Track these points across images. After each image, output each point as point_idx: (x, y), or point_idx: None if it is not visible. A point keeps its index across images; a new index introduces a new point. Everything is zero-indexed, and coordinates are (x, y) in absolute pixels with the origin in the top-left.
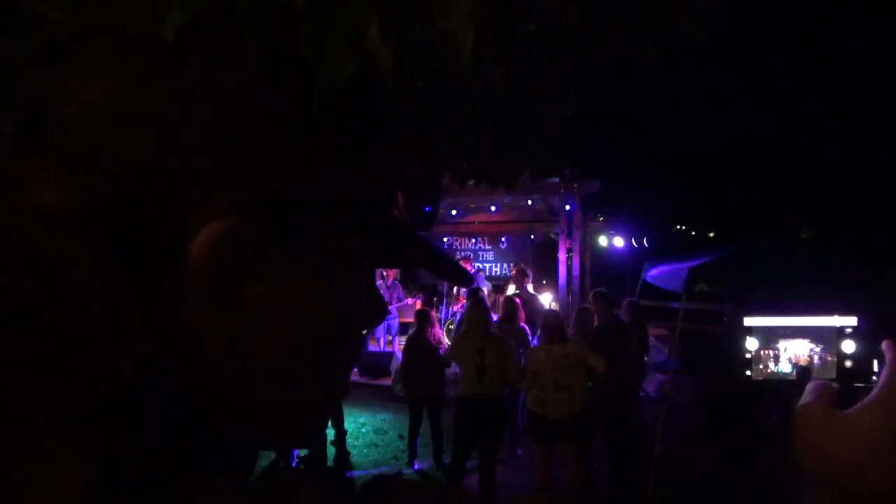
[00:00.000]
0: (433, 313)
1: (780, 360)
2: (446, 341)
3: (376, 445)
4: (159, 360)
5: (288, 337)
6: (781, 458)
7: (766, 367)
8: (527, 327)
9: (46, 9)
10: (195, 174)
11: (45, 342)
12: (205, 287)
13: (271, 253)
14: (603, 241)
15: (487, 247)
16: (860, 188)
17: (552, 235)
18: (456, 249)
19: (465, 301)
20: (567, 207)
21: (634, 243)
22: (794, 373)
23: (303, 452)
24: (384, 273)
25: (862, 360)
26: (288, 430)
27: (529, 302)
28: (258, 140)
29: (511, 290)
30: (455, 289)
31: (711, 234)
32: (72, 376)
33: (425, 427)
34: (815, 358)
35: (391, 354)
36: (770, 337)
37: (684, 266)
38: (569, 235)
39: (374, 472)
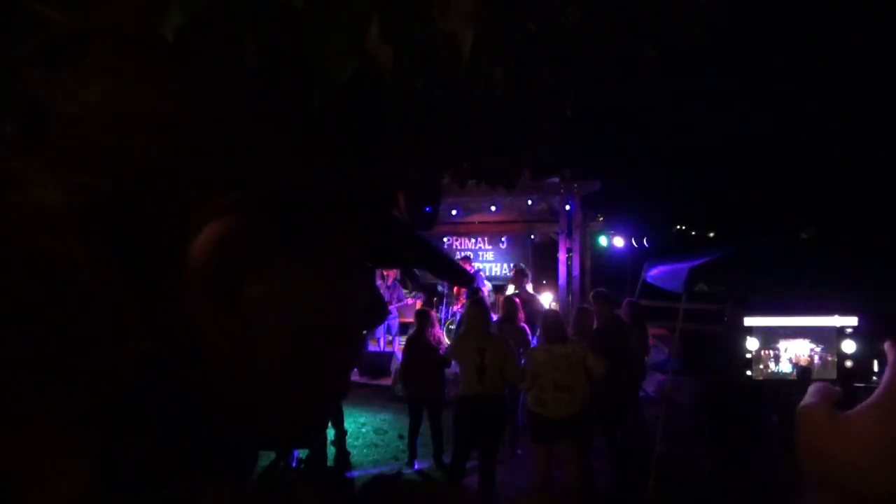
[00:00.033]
0: (433, 313)
1: (781, 360)
2: (446, 341)
3: (376, 445)
4: (159, 360)
5: (288, 337)
6: (781, 458)
7: (767, 367)
8: (527, 327)
9: (46, 9)
10: (195, 174)
11: (45, 342)
12: (205, 287)
13: (271, 253)
14: (603, 241)
15: (487, 247)
16: (860, 188)
17: (552, 235)
18: (456, 249)
19: (465, 301)
20: (567, 207)
21: (634, 243)
22: (795, 373)
23: (303, 452)
24: (384, 273)
25: (862, 360)
26: (288, 430)
27: (529, 302)
28: (258, 140)
29: (510, 290)
30: (455, 289)
31: (711, 234)
32: (72, 376)
33: (425, 427)
34: (816, 358)
35: (391, 354)
36: (770, 337)
37: (684, 266)
38: (569, 235)
39: (374, 472)
